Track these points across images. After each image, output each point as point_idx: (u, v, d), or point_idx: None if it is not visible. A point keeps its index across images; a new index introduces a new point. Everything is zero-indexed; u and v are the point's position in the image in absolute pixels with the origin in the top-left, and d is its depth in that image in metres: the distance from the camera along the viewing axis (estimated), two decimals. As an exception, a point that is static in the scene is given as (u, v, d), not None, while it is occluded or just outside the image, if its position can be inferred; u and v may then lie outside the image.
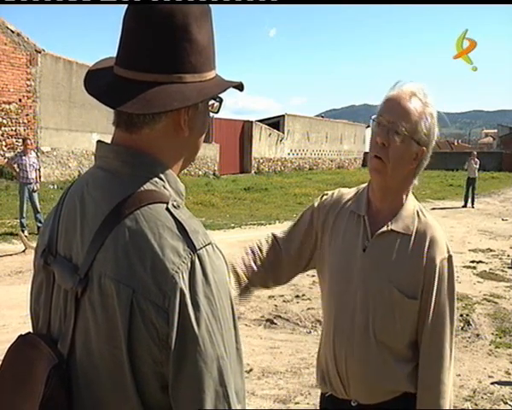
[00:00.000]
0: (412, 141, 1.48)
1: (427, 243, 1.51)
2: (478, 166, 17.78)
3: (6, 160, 12.12)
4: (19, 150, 11.34)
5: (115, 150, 0.93)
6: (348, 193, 1.70)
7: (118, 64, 0.93)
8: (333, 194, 1.73)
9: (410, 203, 1.58)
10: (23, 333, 0.96)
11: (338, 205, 1.68)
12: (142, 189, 0.89)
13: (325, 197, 1.74)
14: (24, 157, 9.85)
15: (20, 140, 11.65)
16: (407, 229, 1.53)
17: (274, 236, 1.79)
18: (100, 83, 0.94)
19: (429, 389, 1.50)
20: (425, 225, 1.54)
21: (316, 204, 1.74)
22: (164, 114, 0.90)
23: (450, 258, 1.53)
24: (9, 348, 0.94)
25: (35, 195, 9.94)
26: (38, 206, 9.96)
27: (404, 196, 1.57)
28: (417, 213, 1.56)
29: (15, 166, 9.90)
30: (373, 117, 1.54)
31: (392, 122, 1.47)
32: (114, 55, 0.96)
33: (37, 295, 1.00)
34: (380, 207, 1.58)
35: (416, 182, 1.59)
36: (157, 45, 0.89)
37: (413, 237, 1.52)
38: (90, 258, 0.86)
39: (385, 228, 1.54)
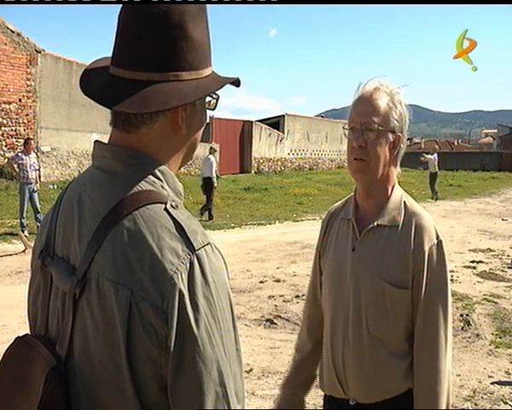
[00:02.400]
0: (387, 132, 1.52)
1: (413, 232, 1.51)
2: (437, 160, 18.77)
3: (6, 160, 12.11)
4: (19, 150, 11.33)
5: (113, 151, 0.93)
6: (339, 205, 1.75)
7: (113, 64, 0.92)
8: (327, 213, 1.79)
9: (397, 195, 1.59)
10: (21, 335, 0.95)
11: (331, 218, 1.74)
12: (140, 189, 0.88)
13: (322, 222, 1.80)
14: (25, 157, 9.85)
15: (21, 140, 11.64)
16: (393, 221, 1.54)
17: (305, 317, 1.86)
18: (96, 83, 0.93)
19: (424, 378, 1.49)
20: (412, 215, 1.55)
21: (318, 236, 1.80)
22: (161, 112, 0.90)
23: (439, 244, 1.52)
24: (7, 349, 0.94)
25: (35, 195, 9.94)
26: (38, 206, 9.96)
27: (390, 189, 1.59)
28: (404, 203, 1.57)
29: (15, 166, 9.90)
30: (345, 126, 1.59)
31: (363, 123, 1.52)
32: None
33: (34, 297, 0.99)
34: (367, 206, 1.61)
35: (399, 170, 1.62)
36: (153, 44, 0.89)
37: (400, 228, 1.53)
38: (88, 259, 0.86)
39: (371, 225, 1.56)
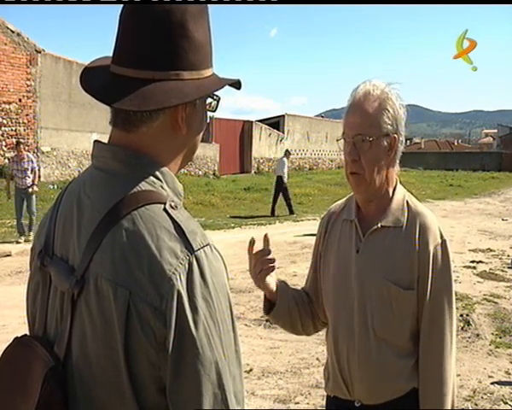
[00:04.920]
0: (380, 139, 1.50)
1: (418, 232, 1.51)
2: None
3: (9, 162, 11.87)
4: (12, 155, 11.01)
5: (112, 150, 0.92)
6: (340, 205, 1.73)
7: (114, 62, 0.92)
8: (327, 212, 1.77)
9: (399, 195, 1.58)
10: (19, 335, 0.95)
11: (331, 219, 1.71)
12: (139, 189, 0.88)
13: (321, 220, 1.77)
14: (18, 163, 9.41)
15: (21, 140, 11.46)
16: (397, 222, 1.54)
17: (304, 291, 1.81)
18: (97, 81, 0.93)
19: (431, 377, 1.50)
20: (415, 215, 1.54)
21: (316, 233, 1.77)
22: (161, 111, 0.89)
23: (443, 243, 1.52)
24: (5, 350, 0.93)
25: (32, 199, 9.49)
26: (34, 210, 9.56)
27: (391, 190, 1.58)
28: (407, 203, 1.57)
29: (13, 172, 9.51)
30: (338, 138, 1.57)
31: (355, 135, 1.50)
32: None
33: (33, 297, 0.99)
34: (369, 208, 1.60)
35: (397, 169, 1.60)
36: (154, 42, 0.89)
37: (404, 229, 1.53)
38: (87, 259, 0.86)
39: (375, 226, 1.55)
